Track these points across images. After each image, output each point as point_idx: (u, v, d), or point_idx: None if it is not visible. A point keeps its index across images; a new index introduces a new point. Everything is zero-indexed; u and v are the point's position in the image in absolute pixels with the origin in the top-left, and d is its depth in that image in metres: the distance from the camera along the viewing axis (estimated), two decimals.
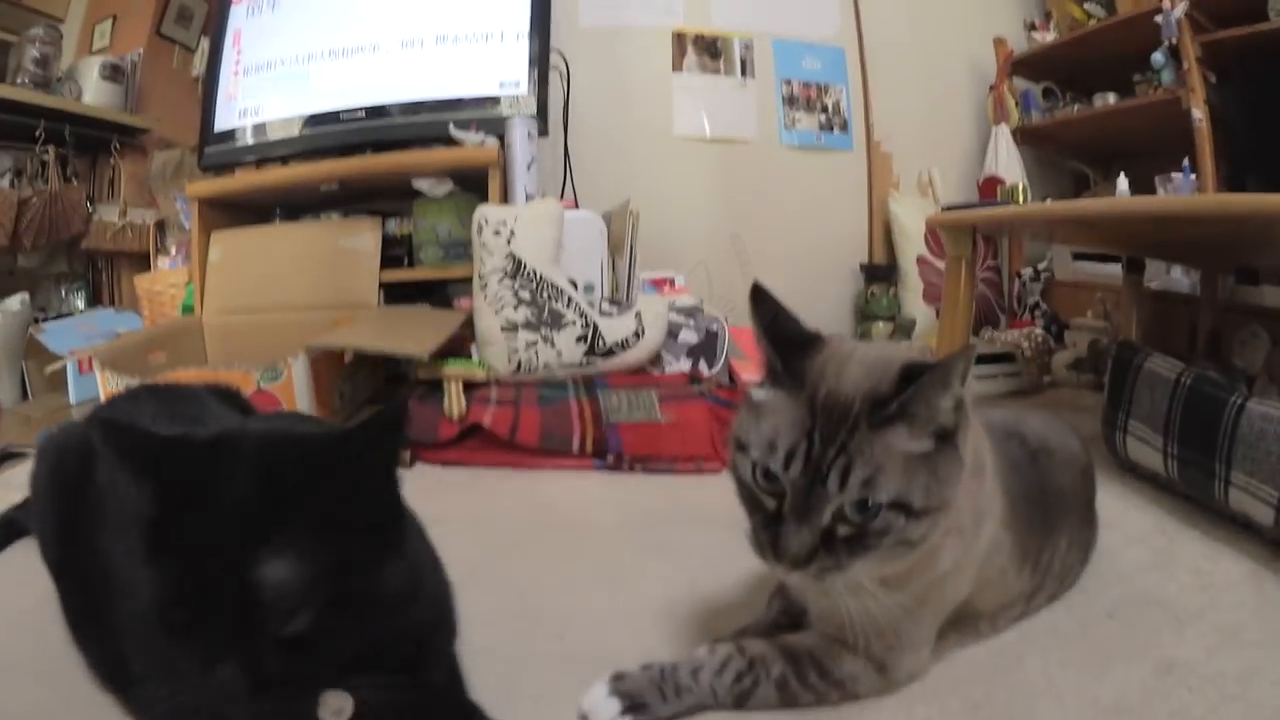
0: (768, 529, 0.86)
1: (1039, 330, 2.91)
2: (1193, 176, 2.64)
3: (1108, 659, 1.02)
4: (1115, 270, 2.91)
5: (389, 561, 0.73)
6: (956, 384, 0.82)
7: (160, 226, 3.47)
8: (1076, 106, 3.50)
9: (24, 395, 3.05)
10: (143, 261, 3.50)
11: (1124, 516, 1.47)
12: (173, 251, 3.36)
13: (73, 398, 2.84)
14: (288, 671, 0.65)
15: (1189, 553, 1.31)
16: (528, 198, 2.57)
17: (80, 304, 3.57)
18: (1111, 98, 3.25)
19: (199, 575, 0.63)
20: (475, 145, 2.65)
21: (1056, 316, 3.26)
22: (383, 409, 0.74)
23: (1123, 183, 2.70)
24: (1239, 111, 2.67)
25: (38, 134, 3.24)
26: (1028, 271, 3.57)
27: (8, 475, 1.96)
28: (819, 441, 0.82)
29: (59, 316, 3.30)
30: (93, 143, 3.50)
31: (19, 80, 3.25)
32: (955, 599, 1.02)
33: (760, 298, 0.90)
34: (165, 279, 3.17)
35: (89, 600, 0.91)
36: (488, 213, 2.41)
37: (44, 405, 2.91)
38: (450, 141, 2.69)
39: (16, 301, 3.13)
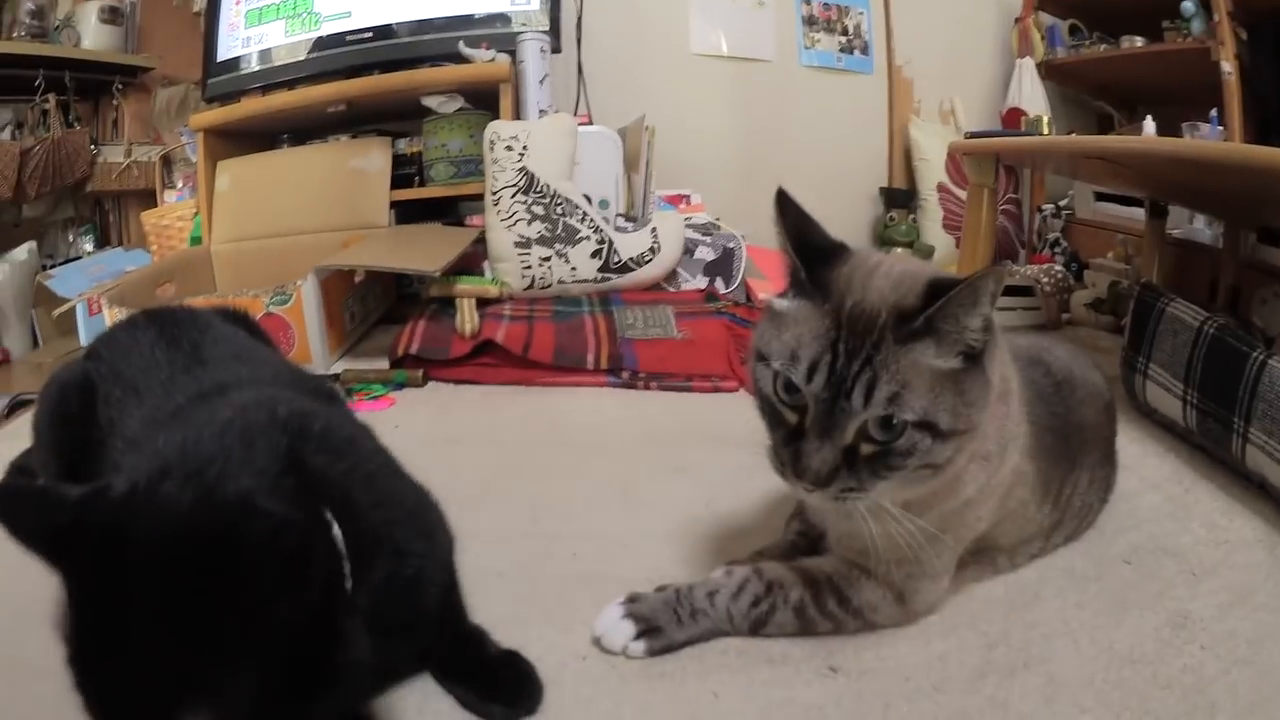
0: (788, 445, 0.82)
1: (1059, 267, 2.83)
2: (1220, 128, 2.58)
3: (1123, 605, 1.01)
4: (1137, 214, 2.83)
5: (329, 680, 0.62)
6: (986, 303, 0.77)
7: (166, 162, 3.43)
8: (1103, 46, 3.41)
9: (35, 344, 3.02)
10: (150, 199, 3.45)
11: (1142, 461, 1.44)
12: (179, 185, 3.32)
13: (83, 340, 2.78)
14: None
15: (1204, 506, 1.28)
16: (540, 114, 2.52)
17: (89, 247, 3.53)
18: (1139, 41, 3.16)
19: (113, 708, 0.55)
20: (486, 61, 2.58)
21: (1076, 255, 3.20)
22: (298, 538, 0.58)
23: (1149, 125, 2.65)
24: (1269, 73, 2.60)
25: (37, 84, 3.20)
26: (1049, 208, 3.51)
27: (19, 424, 1.91)
28: (843, 354, 0.77)
29: (67, 261, 3.27)
30: (94, 86, 3.46)
31: (15, 34, 3.21)
32: (977, 529, 0.98)
33: (785, 203, 0.85)
34: (172, 212, 3.12)
35: None
36: (500, 128, 2.37)
37: (54, 352, 2.87)
38: (460, 60, 2.62)
39: (23, 251, 3.09)
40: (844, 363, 0.77)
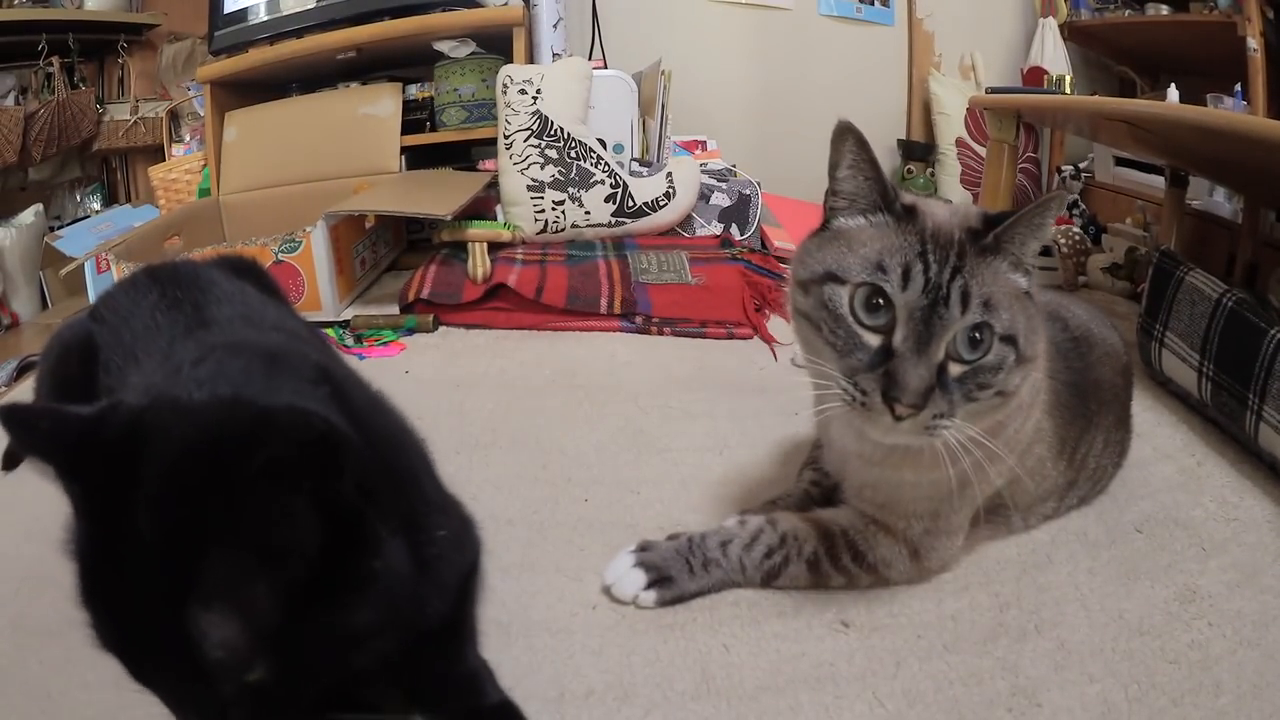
0: (873, 369, 0.76)
1: (1076, 229, 2.79)
2: (1244, 103, 2.55)
3: (1133, 575, 1.00)
4: (1156, 180, 2.78)
5: (362, 586, 0.59)
6: (1048, 227, 0.77)
7: (173, 116, 3.39)
8: (1128, 12, 3.34)
9: (44, 305, 3.00)
10: (157, 154, 3.42)
11: (1156, 430, 1.42)
12: (187, 139, 3.29)
13: (92, 298, 2.78)
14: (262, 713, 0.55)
15: (1216, 480, 1.26)
16: (554, 58, 2.49)
17: (96, 206, 3.49)
18: (1165, 9, 3.10)
19: (127, 622, 0.53)
20: (499, 5, 2.54)
21: (1095, 218, 3.16)
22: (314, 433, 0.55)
23: (1173, 92, 2.63)
24: None
25: (40, 48, 3.14)
26: (1068, 169, 3.46)
27: (27, 386, 1.91)
28: (934, 263, 0.75)
29: (74, 222, 3.24)
30: (99, 46, 3.40)
31: (16, 1, 3.16)
32: (996, 484, 0.96)
33: (852, 132, 0.82)
34: (180, 165, 3.10)
35: None
36: (512, 71, 2.33)
37: (64, 312, 2.84)
38: (472, 3, 2.58)
39: (30, 214, 3.07)
40: (937, 270, 0.75)
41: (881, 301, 0.76)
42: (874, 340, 0.77)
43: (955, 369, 0.76)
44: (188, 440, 0.53)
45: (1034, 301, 0.80)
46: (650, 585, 0.92)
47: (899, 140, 3.55)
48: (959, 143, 3.43)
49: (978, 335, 0.74)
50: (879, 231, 0.79)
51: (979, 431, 0.78)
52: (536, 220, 2.21)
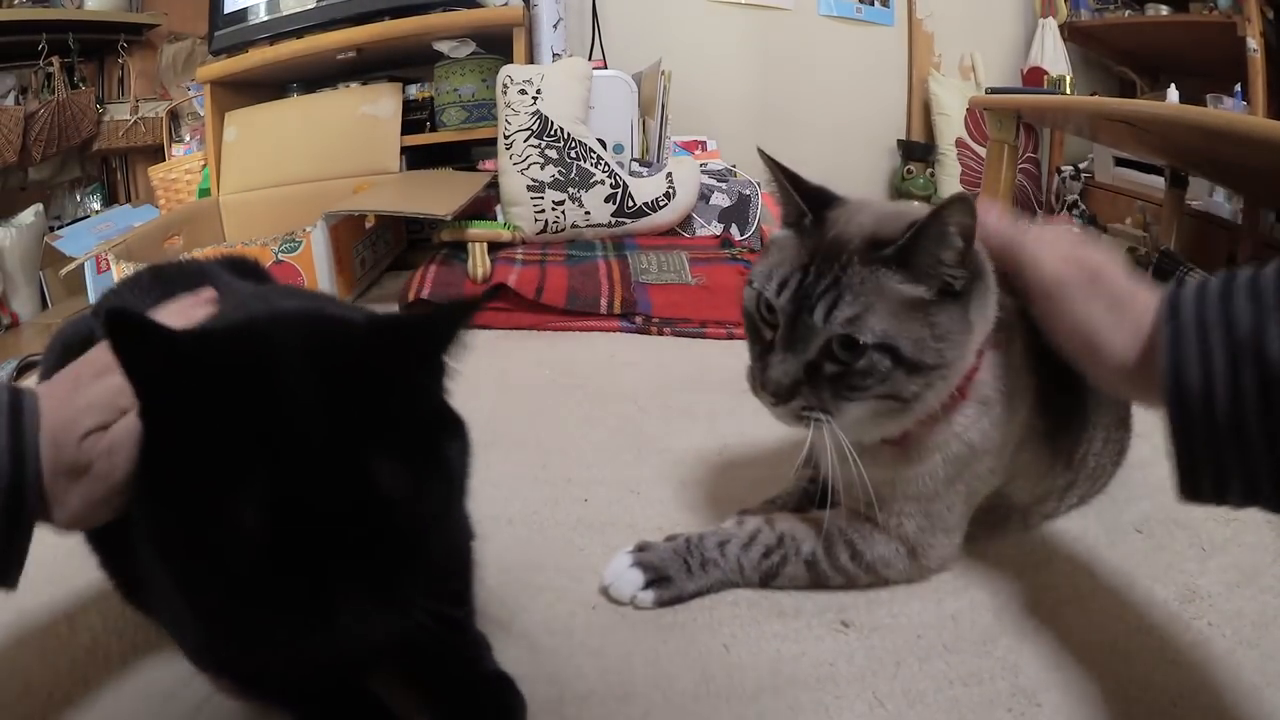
0: (760, 359, 0.85)
1: (1076, 229, 2.79)
2: (1244, 103, 2.56)
3: (1133, 575, 1.00)
4: (1156, 181, 2.79)
5: (442, 470, 0.63)
6: (953, 235, 0.77)
7: (173, 116, 3.39)
8: (1128, 12, 3.34)
9: (44, 305, 3.00)
10: (157, 154, 3.42)
11: (1155, 430, 1.37)
12: (187, 139, 3.29)
13: (92, 298, 2.78)
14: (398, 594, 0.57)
15: None
16: (554, 58, 2.49)
17: (96, 206, 3.48)
18: (1164, 10, 3.11)
19: (296, 486, 0.53)
20: (499, 5, 2.54)
21: (1095, 218, 3.16)
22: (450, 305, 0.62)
23: (1173, 93, 2.65)
24: None
25: (40, 48, 3.13)
26: (1068, 169, 3.49)
27: (26, 386, 1.91)
28: (813, 273, 0.80)
29: (74, 222, 3.24)
30: (99, 46, 3.39)
31: (16, 1, 3.15)
32: (990, 482, 0.96)
33: (769, 158, 0.89)
34: (180, 165, 3.10)
35: None
36: (513, 71, 2.34)
37: (64, 312, 2.84)
38: (472, 4, 2.58)
39: (30, 214, 3.06)
40: (812, 281, 0.79)
41: (770, 305, 0.83)
42: (768, 335, 0.84)
43: (830, 368, 0.80)
44: (309, 343, 0.58)
45: (963, 308, 0.81)
46: (648, 585, 0.92)
47: (899, 140, 3.56)
48: (959, 143, 3.44)
49: (852, 340, 0.78)
50: (789, 242, 0.86)
51: (876, 434, 0.87)
52: (536, 220, 2.21)
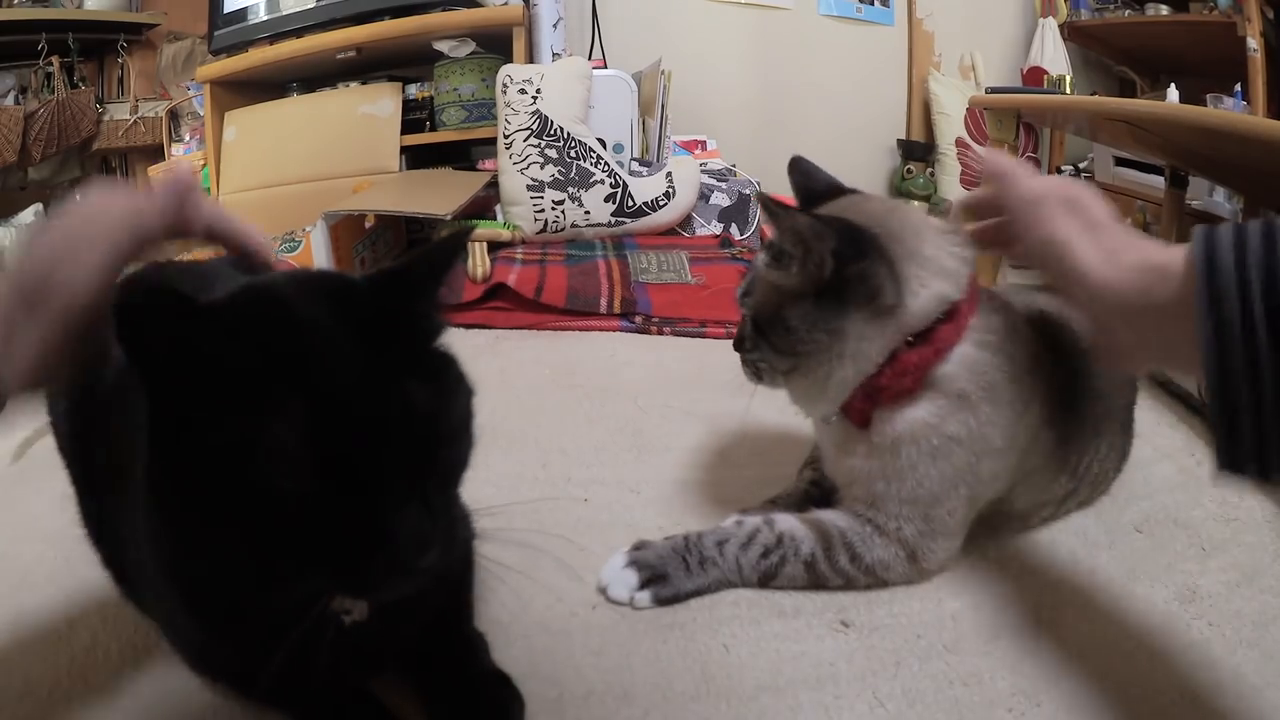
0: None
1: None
2: (1244, 103, 2.57)
3: (1133, 575, 1.00)
4: (1156, 181, 2.78)
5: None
6: (785, 230, 0.87)
7: (173, 116, 3.40)
8: (1128, 12, 3.35)
9: None
10: (156, 154, 3.44)
11: (1155, 430, 1.41)
12: (186, 138, 3.30)
13: None
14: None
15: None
16: (554, 58, 2.49)
17: None
18: (1164, 9, 3.12)
19: (338, 410, 0.53)
20: (499, 5, 2.54)
21: None
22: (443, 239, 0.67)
23: (1173, 93, 2.66)
24: None
25: (40, 47, 3.16)
26: (1068, 169, 3.49)
27: None
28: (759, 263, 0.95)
29: None
30: (99, 45, 3.42)
31: (16, 1, 3.17)
32: (994, 487, 0.96)
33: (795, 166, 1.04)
34: (179, 165, 3.09)
35: (99, 497, 0.82)
36: (513, 71, 2.34)
37: None
38: (472, 3, 2.58)
39: (29, 214, 3.08)
40: (753, 269, 0.97)
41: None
42: None
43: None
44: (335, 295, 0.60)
45: (835, 301, 0.88)
46: (645, 584, 0.91)
47: (899, 140, 3.56)
48: (959, 143, 3.44)
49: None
50: None
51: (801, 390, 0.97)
52: (536, 220, 2.21)
